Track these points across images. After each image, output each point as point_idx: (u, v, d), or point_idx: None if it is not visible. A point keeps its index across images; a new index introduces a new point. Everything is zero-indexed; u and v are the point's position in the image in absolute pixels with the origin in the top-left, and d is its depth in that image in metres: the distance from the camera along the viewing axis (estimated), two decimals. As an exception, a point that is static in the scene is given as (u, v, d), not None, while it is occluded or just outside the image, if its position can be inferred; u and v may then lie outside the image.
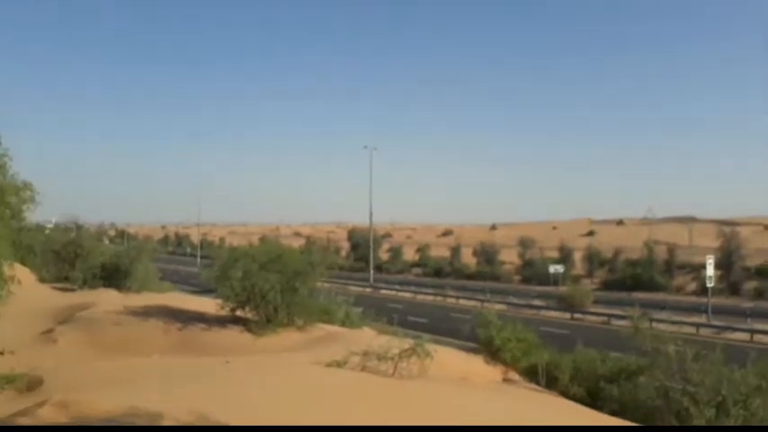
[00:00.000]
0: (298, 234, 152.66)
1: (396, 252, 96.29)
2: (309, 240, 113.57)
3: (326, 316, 18.41)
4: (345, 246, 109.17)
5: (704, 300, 36.68)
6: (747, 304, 45.43)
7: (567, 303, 42.58)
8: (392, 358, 9.63)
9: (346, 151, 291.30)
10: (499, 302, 43.17)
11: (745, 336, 29.91)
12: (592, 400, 13.01)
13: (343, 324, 18.94)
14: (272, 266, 14.95)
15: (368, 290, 57.10)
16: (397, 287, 59.64)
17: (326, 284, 22.68)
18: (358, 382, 8.23)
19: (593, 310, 40.99)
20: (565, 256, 72.28)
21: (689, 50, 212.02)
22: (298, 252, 18.23)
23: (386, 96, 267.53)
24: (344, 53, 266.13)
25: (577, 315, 39.98)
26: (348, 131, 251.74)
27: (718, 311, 36.49)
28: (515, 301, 46.65)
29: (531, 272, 71.59)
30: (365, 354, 9.70)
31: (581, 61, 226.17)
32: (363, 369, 9.46)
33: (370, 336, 14.65)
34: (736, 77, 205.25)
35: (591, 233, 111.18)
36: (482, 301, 43.75)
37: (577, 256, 74.74)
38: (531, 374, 14.71)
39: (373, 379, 8.62)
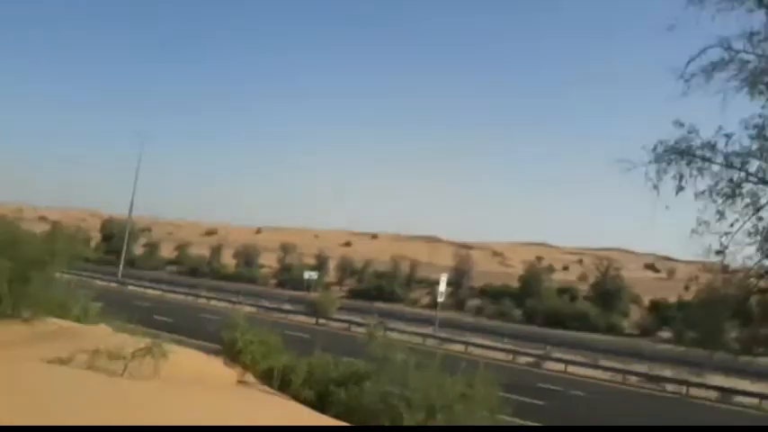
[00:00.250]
0: (43, 218, 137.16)
1: (152, 248, 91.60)
2: (56, 226, 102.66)
3: (61, 310, 17.06)
4: (97, 236, 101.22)
5: (434, 313, 40.97)
6: (468, 319, 51.96)
7: (314, 309, 44.55)
8: (124, 357, 9.47)
9: (112, 134, 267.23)
10: (251, 305, 43.46)
11: (461, 347, 33.98)
12: (321, 403, 13.82)
13: (78, 319, 17.68)
14: (3, 252, 13.52)
15: (114, 285, 53.61)
16: (147, 284, 57.06)
17: (68, 276, 20.98)
18: (80, 380, 8.00)
19: (337, 316, 43.31)
20: (321, 264, 75.59)
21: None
22: (38, 238, 16.59)
23: (162, 83, 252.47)
24: (130, 36, 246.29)
25: (322, 321, 42.06)
26: (117, 113, 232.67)
27: (445, 324, 40.97)
28: (267, 304, 47.31)
29: (288, 276, 73.62)
30: (95, 352, 9.39)
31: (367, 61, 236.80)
32: (90, 368, 9.15)
33: (106, 333, 13.98)
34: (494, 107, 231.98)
35: (348, 244, 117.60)
36: (234, 302, 43.64)
37: (332, 265, 78.74)
38: (267, 377, 15.14)
39: (98, 378, 8.42)
